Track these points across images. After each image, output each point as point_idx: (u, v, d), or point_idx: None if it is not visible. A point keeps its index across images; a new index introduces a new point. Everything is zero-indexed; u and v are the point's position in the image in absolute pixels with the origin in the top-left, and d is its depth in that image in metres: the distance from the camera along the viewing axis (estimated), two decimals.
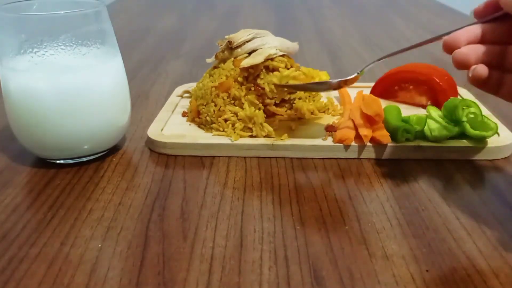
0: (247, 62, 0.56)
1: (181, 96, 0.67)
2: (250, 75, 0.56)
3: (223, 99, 0.56)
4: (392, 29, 1.19)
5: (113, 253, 0.37)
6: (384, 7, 1.50)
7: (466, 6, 1.55)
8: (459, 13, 1.38)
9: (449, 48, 0.39)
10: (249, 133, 0.54)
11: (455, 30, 0.40)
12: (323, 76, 0.54)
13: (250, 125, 0.54)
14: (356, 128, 0.53)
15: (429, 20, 1.32)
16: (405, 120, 0.54)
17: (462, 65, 0.39)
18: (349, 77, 0.52)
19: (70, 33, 0.48)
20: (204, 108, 0.57)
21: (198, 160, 0.52)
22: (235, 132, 0.54)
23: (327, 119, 0.59)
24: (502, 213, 0.42)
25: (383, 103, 0.59)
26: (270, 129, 0.53)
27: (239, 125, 0.54)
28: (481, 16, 0.40)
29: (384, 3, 1.55)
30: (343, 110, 0.60)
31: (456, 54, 0.39)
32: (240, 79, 0.56)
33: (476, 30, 0.40)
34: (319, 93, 0.62)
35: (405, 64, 0.65)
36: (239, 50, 0.58)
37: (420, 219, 0.41)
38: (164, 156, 0.53)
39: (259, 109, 0.55)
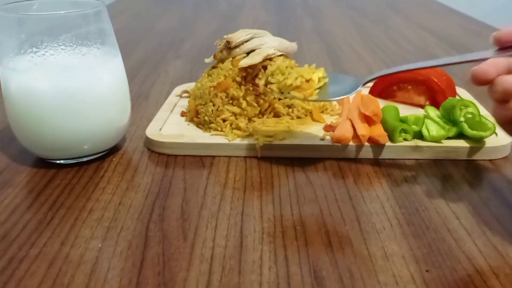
0: (245, 62, 0.56)
1: (180, 96, 0.67)
2: (249, 75, 0.56)
3: (222, 99, 0.56)
4: (392, 29, 1.19)
5: (113, 253, 0.37)
6: (384, 7, 1.50)
7: (466, 6, 1.54)
8: (459, 13, 1.38)
9: (478, 81, 0.37)
10: (246, 133, 0.54)
11: (481, 59, 0.38)
12: (320, 73, 0.52)
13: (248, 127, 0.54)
14: (354, 128, 0.53)
15: (429, 20, 1.32)
16: (403, 120, 0.54)
17: (481, 79, 0.37)
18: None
19: (70, 33, 0.48)
20: (202, 108, 0.57)
21: (198, 160, 0.52)
22: (232, 132, 0.54)
23: (326, 119, 0.59)
24: (502, 213, 0.42)
25: (382, 103, 0.59)
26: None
27: (234, 124, 0.54)
28: (502, 44, 0.38)
29: (384, 3, 1.55)
30: (341, 110, 0.60)
31: (476, 69, 0.37)
32: (238, 79, 0.56)
33: (504, 62, 0.37)
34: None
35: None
36: (237, 50, 0.58)
37: (420, 219, 0.41)
38: (164, 156, 0.53)
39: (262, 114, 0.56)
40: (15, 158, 0.52)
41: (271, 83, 0.52)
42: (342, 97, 0.49)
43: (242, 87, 0.56)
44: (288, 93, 0.50)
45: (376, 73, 0.50)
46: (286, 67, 0.53)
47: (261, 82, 0.53)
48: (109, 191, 0.46)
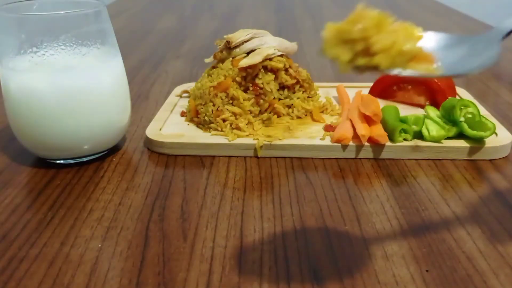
0: (245, 62, 0.56)
1: (180, 96, 0.67)
2: (249, 75, 0.56)
3: (222, 99, 0.56)
4: None
5: (113, 253, 0.37)
6: (384, 7, 1.49)
7: (466, 6, 1.54)
8: (459, 13, 1.38)
9: None
10: (246, 133, 0.54)
11: None
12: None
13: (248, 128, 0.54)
14: (354, 128, 0.53)
15: (429, 20, 1.32)
16: (403, 120, 0.54)
17: None
18: None
19: (70, 33, 0.48)
20: (202, 108, 0.57)
21: (198, 160, 0.52)
22: (232, 132, 0.54)
23: (326, 119, 0.59)
24: (502, 213, 0.42)
25: (382, 103, 0.59)
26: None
27: (234, 124, 0.54)
28: None
29: (384, 3, 1.55)
30: (341, 110, 0.60)
31: None
32: (238, 79, 0.56)
33: None
34: (317, 93, 0.62)
35: None
36: (237, 50, 0.59)
37: (420, 219, 0.41)
38: (164, 156, 0.53)
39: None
40: (15, 158, 0.52)
41: (368, 55, 0.28)
42: (484, 67, 0.31)
43: (249, 92, 0.56)
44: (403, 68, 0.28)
45: None
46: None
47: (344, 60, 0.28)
48: (109, 191, 0.46)
